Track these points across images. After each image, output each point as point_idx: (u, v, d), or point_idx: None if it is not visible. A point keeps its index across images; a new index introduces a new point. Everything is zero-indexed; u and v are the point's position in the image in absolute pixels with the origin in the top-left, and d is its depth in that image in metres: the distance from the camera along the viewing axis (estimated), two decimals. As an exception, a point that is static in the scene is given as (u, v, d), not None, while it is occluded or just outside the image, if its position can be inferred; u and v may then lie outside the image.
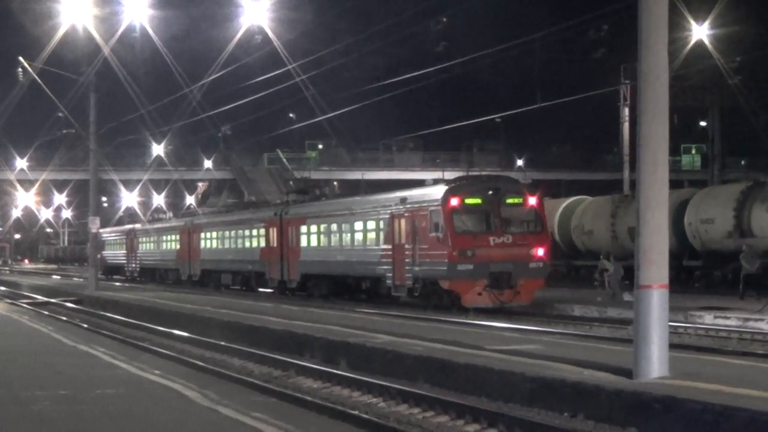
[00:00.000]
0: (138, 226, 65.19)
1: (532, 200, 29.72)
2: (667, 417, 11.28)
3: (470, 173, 48.65)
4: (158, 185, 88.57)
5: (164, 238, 57.25)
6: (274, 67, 42.03)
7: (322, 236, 36.92)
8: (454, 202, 28.84)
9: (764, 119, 61.31)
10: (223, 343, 22.53)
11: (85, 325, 29.40)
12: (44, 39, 35.59)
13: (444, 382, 15.28)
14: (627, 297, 30.87)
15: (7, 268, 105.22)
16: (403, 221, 30.57)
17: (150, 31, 33.04)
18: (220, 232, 48.01)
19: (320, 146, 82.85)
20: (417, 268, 29.63)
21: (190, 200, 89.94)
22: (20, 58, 42.00)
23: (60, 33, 33.11)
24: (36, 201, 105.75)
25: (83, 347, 20.49)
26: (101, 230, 55.45)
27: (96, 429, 11.31)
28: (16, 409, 12.48)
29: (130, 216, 79.49)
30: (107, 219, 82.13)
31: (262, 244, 41.81)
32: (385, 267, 31.36)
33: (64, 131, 62.12)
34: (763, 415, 10.32)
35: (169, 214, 67.68)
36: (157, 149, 74.96)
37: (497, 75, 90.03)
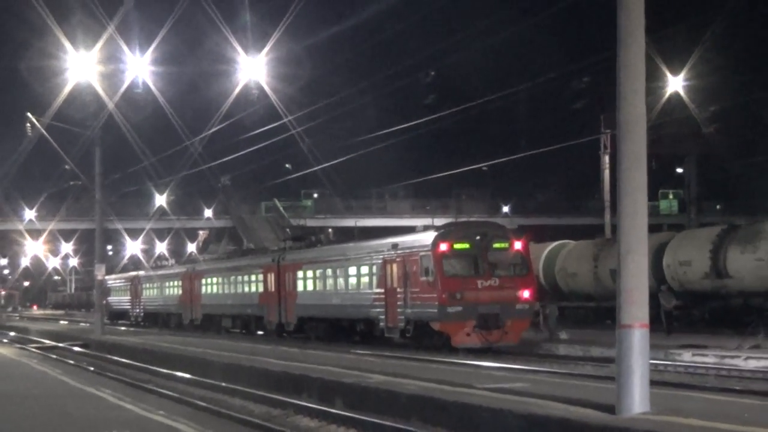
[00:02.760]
0: (142, 272, 65.75)
1: (518, 245, 30.36)
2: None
3: (459, 219, 49.30)
4: (161, 234, 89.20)
5: (167, 284, 57.81)
6: (271, 119, 43.04)
7: (317, 281, 37.44)
8: (444, 247, 29.51)
9: (738, 165, 62.41)
10: (223, 383, 22.62)
11: (92, 368, 29.43)
12: (51, 95, 36.46)
13: (436, 420, 15.37)
14: (563, 335, 32.05)
15: (16, 314, 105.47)
16: (395, 266, 31.23)
17: (152, 87, 34.03)
18: (221, 278, 48.55)
19: (315, 195, 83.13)
20: (409, 311, 30.27)
21: (191, 248, 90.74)
22: (28, 114, 42.72)
23: (66, 90, 34.11)
24: (44, 250, 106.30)
25: (90, 389, 20.63)
26: (107, 277, 55.92)
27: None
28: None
29: (134, 263, 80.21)
30: (112, 266, 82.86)
31: (261, 288, 42.37)
32: (378, 309, 31.99)
33: (71, 183, 63.18)
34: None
35: (172, 261, 68.54)
36: (160, 199, 75.61)
37: (484, 125, 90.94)
